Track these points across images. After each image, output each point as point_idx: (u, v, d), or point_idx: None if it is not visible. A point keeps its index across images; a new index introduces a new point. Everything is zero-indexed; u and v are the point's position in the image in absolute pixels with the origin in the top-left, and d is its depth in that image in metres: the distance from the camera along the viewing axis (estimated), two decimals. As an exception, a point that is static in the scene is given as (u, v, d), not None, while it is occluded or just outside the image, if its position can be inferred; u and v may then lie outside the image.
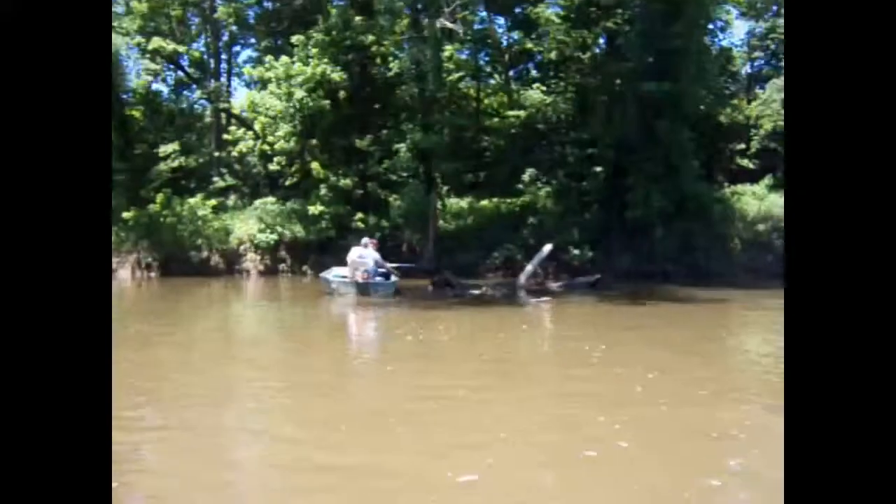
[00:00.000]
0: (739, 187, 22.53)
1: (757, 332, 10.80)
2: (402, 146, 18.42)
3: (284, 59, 18.10)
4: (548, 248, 16.37)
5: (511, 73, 25.49)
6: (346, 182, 18.21)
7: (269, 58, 18.69)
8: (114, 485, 4.32)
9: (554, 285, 15.71)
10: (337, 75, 17.56)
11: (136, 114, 24.06)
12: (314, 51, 17.62)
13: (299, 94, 17.68)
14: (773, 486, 3.55)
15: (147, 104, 23.79)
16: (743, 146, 24.73)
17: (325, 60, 17.64)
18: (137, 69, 24.27)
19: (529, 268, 16.01)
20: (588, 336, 9.82)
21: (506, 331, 10.50)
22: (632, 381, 6.75)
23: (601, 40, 20.43)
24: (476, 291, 14.28)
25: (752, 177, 23.55)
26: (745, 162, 24.40)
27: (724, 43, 25.23)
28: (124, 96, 22.83)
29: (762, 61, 26.97)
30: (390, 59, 18.66)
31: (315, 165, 18.08)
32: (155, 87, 26.08)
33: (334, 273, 15.21)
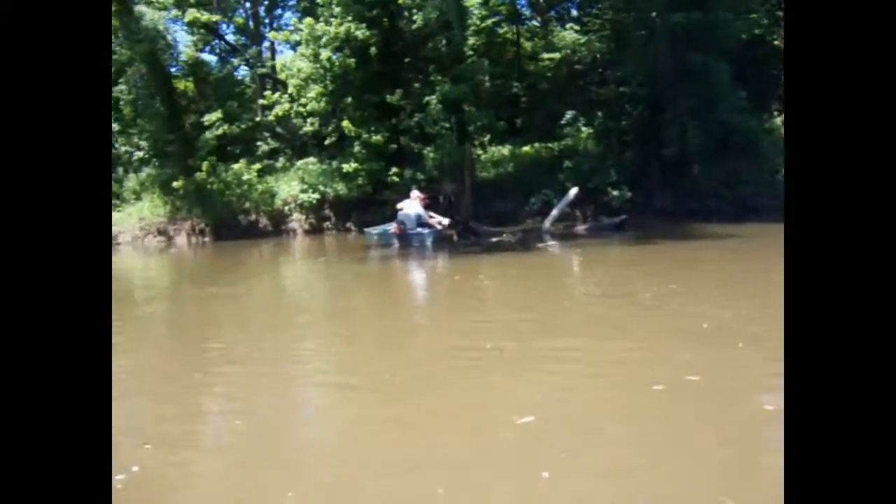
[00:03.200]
0: (791, 115, 21.52)
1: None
2: (433, 98, 18.47)
3: (308, 20, 18.33)
4: (574, 191, 16.30)
5: (552, 13, 25.00)
6: (377, 138, 18.46)
7: (293, 20, 18.98)
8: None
9: (580, 228, 15.69)
10: (361, 32, 17.65)
11: (188, 85, 24.98)
12: (337, 9, 17.75)
13: (325, 54, 17.92)
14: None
15: (194, 75, 24.61)
16: (796, 71, 23.48)
17: (350, 18, 17.75)
18: (185, 41, 25.17)
19: (555, 212, 16.02)
20: (573, 277, 10.00)
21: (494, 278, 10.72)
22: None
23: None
24: (495, 239, 14.51)
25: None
26: (797, 88, 23.19)
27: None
28: (171, 69, 23.63)
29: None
30: (415, 11, 18.58)
31: (346, 123, 18.40)
32: (205, 57, 27.04)
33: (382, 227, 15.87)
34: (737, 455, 3.76)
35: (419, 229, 14.68)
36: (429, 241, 14.46)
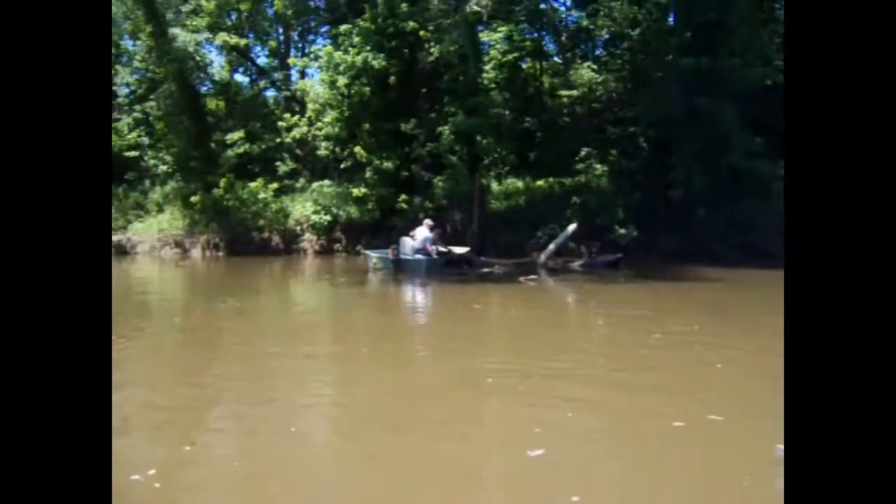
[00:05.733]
0: (808, 163, 21.40)
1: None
2: (446, 129, 18.90)
3: (328, 48, 19.01)
4: (572, 227, 16.51)
5: (576, 51, 25.35)
6: (388, 165, 18.93)
7: (313, 48, 19.67)
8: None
9: (575, 264, 15.84)
10: (377, 63, 18.22)
11: (219, 104, 25.91)
12: (357, 39, 18.36)
13: (342, 81, 18.52)
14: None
15: (224, 94, 25.55)
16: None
17: (368, 48, 18.34)
18: (219, 62, 26.19)
19: (552, 246, 16.23)
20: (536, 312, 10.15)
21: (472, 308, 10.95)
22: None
23: (650, 16, 20.02)
24: (485, 270, 14.79)
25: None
26: (817, 136, 23.10)
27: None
28: (203, 87, 24.56)
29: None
30: (432, 43, 19.13)
31: (358, 149, 18.91)
32: (237, 77, 28.08)
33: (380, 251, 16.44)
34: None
35: (417, 256, 15.04)
36: (422, 268, 14.80)
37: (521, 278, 13.79)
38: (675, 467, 4.25)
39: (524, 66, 24.75)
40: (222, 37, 21.70)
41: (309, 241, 21.40)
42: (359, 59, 18.12)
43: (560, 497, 3.80)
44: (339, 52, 18.50)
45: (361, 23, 18.68)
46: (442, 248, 15.18)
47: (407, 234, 15.82)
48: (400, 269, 15.12)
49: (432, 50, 19.12)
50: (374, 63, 18.19)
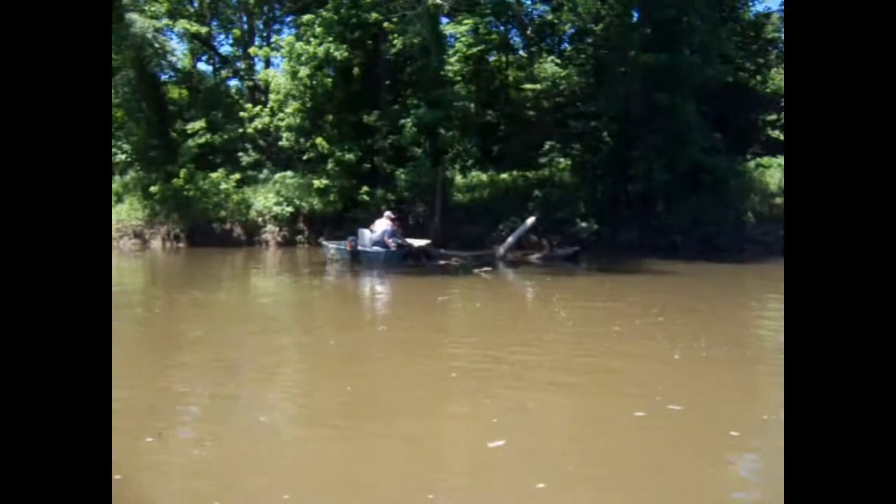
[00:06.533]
0: (766, 159, 21.85)
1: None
2: (409, 121, 18.84)
3: (289, 38, 18.83)
4: (531, 220, 16.66)
5: (542, 45, 25.42)
6: (350, 156, 18.83)
7: (275, 38, 19.45)
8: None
9: (533, 257, 15.96)
10: (339, 54, 18.08)
11: (183, 93, 25.48)
12: (319, 30, 18.19)
13: (304, 71, 18.36)
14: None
15: (186, 83, 25.16)
16: (774, 117, 23.90)
17: (330, 39, 18.18)
18: (182, 49, 25.73)
19: (510, 239, 16.35)
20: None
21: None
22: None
23: (613, 11, 20.15)
24: (442, 262, 14.85)
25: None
26: (775, 133, 23.58)
27: (761, 8, 24.50)
28: (163, 76, 24.13)
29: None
30: (395, 35, 19.04)
31: (319, 140, 18.78)
32: (201, 66, 27.64)
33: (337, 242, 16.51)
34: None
35: (375, 248, 15.02)
36: (380, 260, 14.80)
37: (476, 270, 13.87)
38: (638, 455, 4.33)
39: (491, 59, 24.80)
40: (182, 24, 21.33)
41: (271, 232, 21.25)
42: (320, 49, 17.95)
43: (526, 484, 3.85)
44: (301, 43, 18.31)
45: (324, 13, 18.50)
46: (400, 241, 15.18)
47: (368, 227, 15.80)
48: (357, 261, 15.11)
49: (395, 42, 19.03)
50: (337, 54, 18.04)
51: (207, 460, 4.35)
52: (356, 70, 19.65)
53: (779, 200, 19.49)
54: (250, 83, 24.17)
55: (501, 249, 16.10)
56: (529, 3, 24.85)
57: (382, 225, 15.32)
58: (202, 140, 21.65)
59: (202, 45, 24.83)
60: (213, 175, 20.83)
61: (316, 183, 18.95)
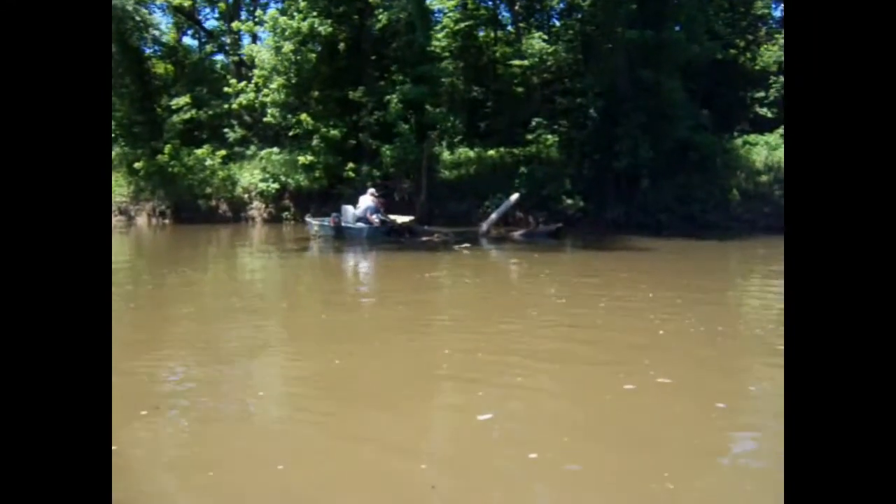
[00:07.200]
0: (753, 137, 21.84)
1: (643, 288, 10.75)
2: (394, 97, 18.74)
3: (272, 12, 18.65)
4: (514, 196, 16.66)
5: (531, 21, 25.23)
6: (334, 133, 18.75)
7: (258, 12, 19.25)
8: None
9: (516, 234, 15.98)
10: (324, 29, 17.92)
11: (169, 68, 25.21)
12: (303, 4, 18.01)
13: (288, 47, 18.20)
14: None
15: (172, 58, 24.89)
16: (762, 94, 23.87)
17: (315, 14, 18.01)
18: (167, 23, 25.44)
19: (494, 216, 16.35)
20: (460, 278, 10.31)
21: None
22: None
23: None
24: (424, 238, 14.88)
25: (773, 126, 22.78)
26: (763, 111, 23.56)
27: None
28: (148, 50, 23.86)
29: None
30: (380, 11, 18.87)
31: (304, 117, 18.68)
32: (187, 41, 27.31)
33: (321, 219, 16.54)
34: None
35: (358, 224, 15.05)
36: (363, 236, 14.83)
37: (456, 246, 13.88)
38: (629, 426, 4.36)
39: (480, 35, 24.61)
40: (164, -5, 21.10)
41: (257, 209, 21.22)
42: (304, 24, 17.78)
43: (518, 454, 3.90)
44: (284, 18, 18.14)
45: (310, -13, 18.31)
46: (383, 217, 15.19)
47: (353, 203, 15.81)
48: (341, 237, 15.14)
49: (380, 17, 18.87)
50: (321, 29, 17.89)
51: (200, 432, 4.38)
52: (341, 45, 19.51)
53: (764, 178, 19.51)
54: (236, 58, 23.94)
55: (484, 226, 16.11)
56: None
57: (365, 201, 15.36)
58: (187, 116, 21.53)
59: (187, 19, 24.52)
60: (199, 151, 20.73)
61: (301, 159, 18.88)
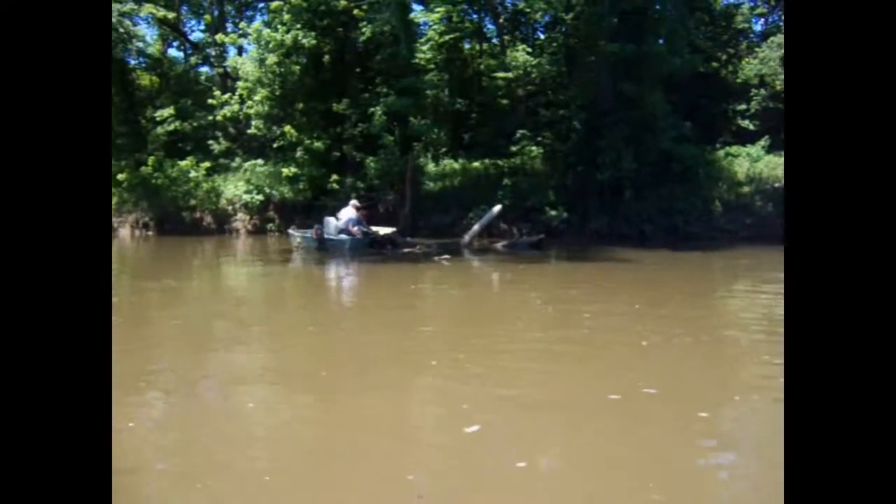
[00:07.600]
0: (735, 148, 22.03)
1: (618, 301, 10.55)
2: (378, 109, 18.79)
3: (256, 24, 18.69)
4: (497, 208, 16.74)
5: (516, 34, 25.39)
6: (318, 145, 18.78)
7: (241, 24, 19.30)
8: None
9: (498, 245, 16.04)
10: (308, 41, 17.98)
11: (154, 80, 25.16)
12: (287, 17, 18.07)
13: (272, 59, 18.24)
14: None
15: (157, 69, 24.86)
16: (744, 106, 24.08)
17: (299, 26, 18.07)
18: (152, 35, 25.41)
19: (476, 227, 16.43)
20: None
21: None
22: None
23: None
24: (406, 250, 14.92)
25: (754, 138, 23.00)
26: (745, 123, 23.76)
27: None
28: (132, 61, 23.81)
29: (776, 17, 26.04)
30: (363, 23, 18.95)
31: (288, 129, 18.70)
32: (172, 53, 27.29)
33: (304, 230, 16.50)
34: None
35: (341, 235, 15.05)
36: (346, 248, 14.84)
37: (436, 258, 13.91)
38: (616, 435, 4.39)
39: (465, 47, 24.70)
40: (148, 8, 21.03)
41: (242, 220, 21.16)
42: (288, 37, 17.83)
43: (506, 464, 3.91)
44: (268, 30, 18.18)
45: (293, 0, 18.35)
46: (365, 229, 15.19)
47: (335, 215, 15.82)
48: (323, 249, 15.15)
49: (364, 29, 18.94)
50: (305, 42, 17.94)
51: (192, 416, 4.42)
52: (326, 58, 19.59)
53: (746, 189, 19.70)
54: (221, 70, 23.94)
55: (467, 237, 16.16)
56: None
57: (348, 213, 15.37)
58: (171, 127, 21.49)
59: (172, 31, 24.51)
60: (183, 163, 20.69)
61: (285, 171, 18.89)
